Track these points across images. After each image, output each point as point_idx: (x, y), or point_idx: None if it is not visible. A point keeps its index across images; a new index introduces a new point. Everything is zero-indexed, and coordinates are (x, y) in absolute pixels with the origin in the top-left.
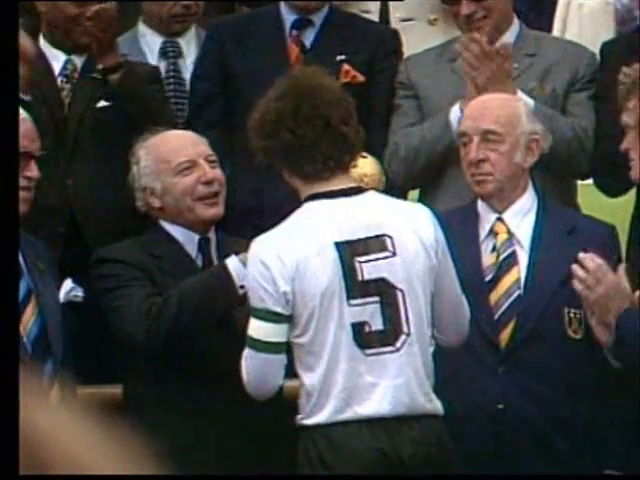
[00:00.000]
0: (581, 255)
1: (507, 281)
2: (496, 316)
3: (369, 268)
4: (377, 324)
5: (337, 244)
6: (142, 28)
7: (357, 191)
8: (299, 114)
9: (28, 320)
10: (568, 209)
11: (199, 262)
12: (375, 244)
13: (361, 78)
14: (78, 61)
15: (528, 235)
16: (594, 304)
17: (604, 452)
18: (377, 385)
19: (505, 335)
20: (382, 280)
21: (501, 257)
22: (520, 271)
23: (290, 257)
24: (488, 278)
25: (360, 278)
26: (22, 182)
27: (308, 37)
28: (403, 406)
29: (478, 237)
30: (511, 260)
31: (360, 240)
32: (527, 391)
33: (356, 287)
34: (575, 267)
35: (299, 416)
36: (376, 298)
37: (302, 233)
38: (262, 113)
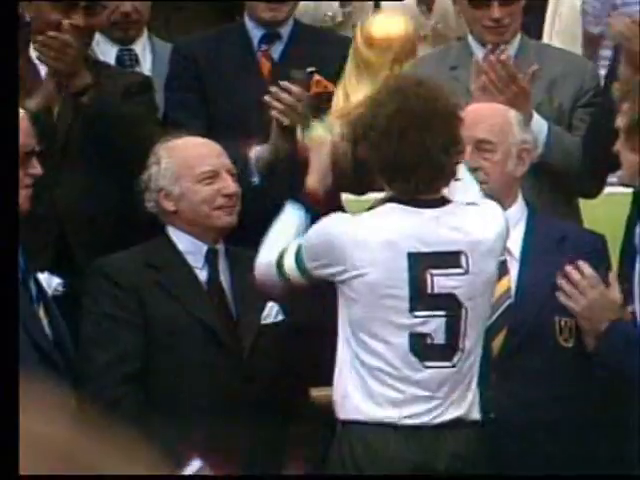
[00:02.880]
0: (567, 267)
1: (498, 290)
2: (488, 325)
3: (440, 282)
4: (439, 338)
5: (410, 255)
6: (96, 36)
7: (441, 202)
8: (404, 139)
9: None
10: (558, 219)
11: (203, 275)
12: (450, 259)
13: (332, 87)
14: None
15: (518, 244)
16: (581, 315)
17: (594, 456)
18: (429, 398)
19: (497, 344)
20: (451, 296)
21: None
22: (511, 280)
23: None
24: None
25: (429, 291)
26: (26, 180)
27: (276, 51)
28: (450, 421)
29: None
30: (502, 269)
31: (436, 253)
32: (519, 399)
33: (423, 300)
34: (560, 279)
35: (339, 411)
36: (442, 312)
37: (378, 234)
38: (370, 125)
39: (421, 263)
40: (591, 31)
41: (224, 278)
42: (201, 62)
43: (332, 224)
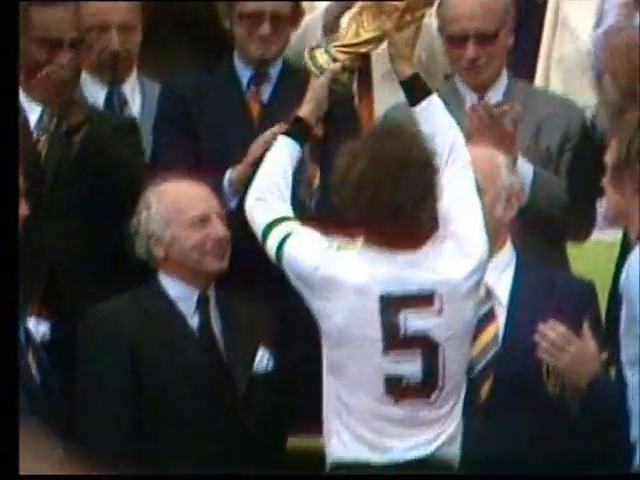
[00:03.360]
0: (541, 326)
1: (485, 337)
2: (475, 371)
3: (414, 323)
4: (416, 378)
5: (382, 297)
6: (84, 77)
7: (417, 245)
8: (377, 194)
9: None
10: (546, 265)
11: (194, 322)
12: (424, 300)
13: (319, 132)
14: (54, 113)
15: (506, 291)
16: (563, 372)
17: None
18: (402, 435)
19: (484, 390)
20: (426, 337)
21: (479, 313)
22: (498, 327)
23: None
24: None
25: (403, 333)
26: None
27: (265, 91)
28: (425, 457)
29: None
30: (489, 316)
31: (409, 295)
32: (506, 445)
33: (397, 341)
34: (538, 338)
35: (327, 452)
36: (417, 353)
37: (350, 277)
38: (344, 177)
39: (393, 305)
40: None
41: (215, 324)
42: (190, 102)
43: (308, 258)
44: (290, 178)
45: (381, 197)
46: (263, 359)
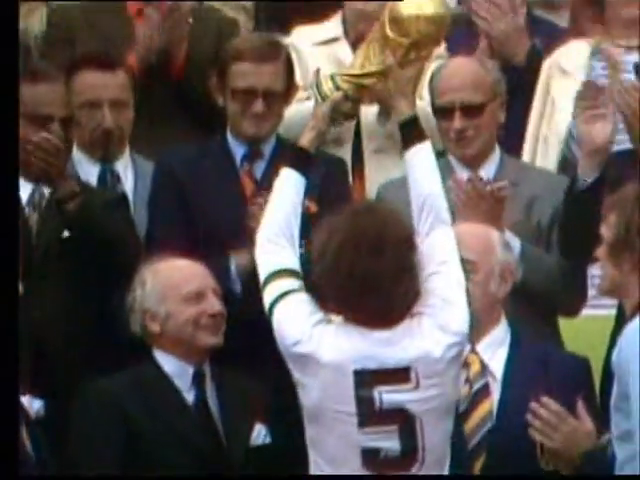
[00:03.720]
0: (533, 404)
1: (480, 413)
2: (469, 447)
3: (390, 398)
4: (394, 451)
5: (356, 372)
6: (77, 155)
7: (394, 322)
8: (352, 270)
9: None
10: (541, 341)
11: (190, 397)
12: (399, 375)
13: (314, 208)
14: (45, 190)
15: (501, 367)
16: (557, 450)
17: None
18: None
19: (478, 466)
20: (402, 410)
21: (474, 388)
22: (492, 403)
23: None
24: (461, 409)
25: (378, 407)
26: None
27: (258, 168)
28: None
29: None
30: (484, 392)
31: (384, 370)
32: None
33: (372, 416)
34: (530, 417)
35: None
36: (394, 427)
37: (325, 353)
38: (322, 253)
39: (368, 380)
40: (577, 157)
41: (211, 400)
42: (183, 179)
43: (290, 330)
44: (299, 210)
45: (356, 272)
46: (260, 434)
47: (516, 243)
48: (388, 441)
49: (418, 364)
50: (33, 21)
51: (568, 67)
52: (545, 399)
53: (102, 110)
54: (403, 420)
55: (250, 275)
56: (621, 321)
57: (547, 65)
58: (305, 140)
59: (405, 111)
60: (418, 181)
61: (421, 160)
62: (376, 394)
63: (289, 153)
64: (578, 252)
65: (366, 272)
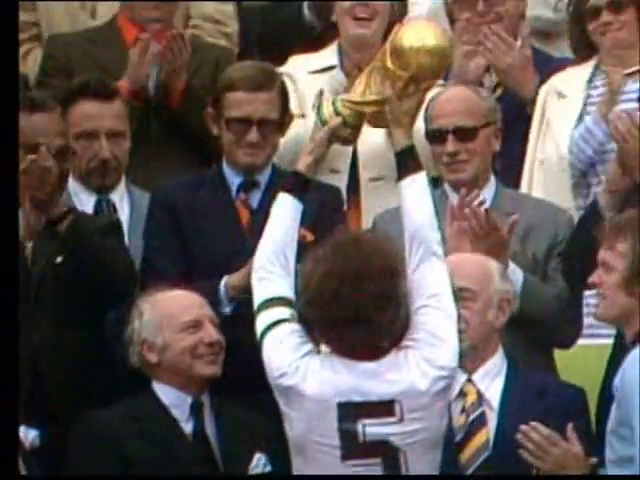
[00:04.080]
0: (523, 427)
1: (476, 442)
2: (466, 476)
3: (373, 430)
4: None
5: (340, 405)
6: (73, 185)
7: (380, 354)
8: (335, 299)
9: None
10: (537, 371)
11: (188, 427)
12: (383, 408)
13: (310, 237)
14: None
15: (497, 396)
16: (548, 472)
17: None
18: None
19: None
20: (385, 442)
21: (470, 418)
22: (489, 432)
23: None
24: (458, 439)
25: (362, 440)
26: None
27: (254, 198)
28: None
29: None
30: (480, 421)
31: (368, 403)
32: None
33: (355, 448)
34: (521, 439)
35: None
36: (377, 459)
37: (309, 385)
38: (307, 282)
39: (352, 413)
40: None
41: (210, 430)
42: (179, 208)
43: (277, 362)
44: (296, 236)
45: (340, 302)
46: (259, 463)
47: (519, 274)
48: (372, 472)
49: (403, 397)
50: (28, 63)
51: (565, 91)
52: (535, 423)
53: (99, 140)
54: (387, 453)
55: (242, 297)
56: (619, 349)
57: (544, 90)
58: (302, 165)
59: (401, 141)
60: (410, 212)
61: (414, 191)
62: (360, 427)
63: (286, 178)
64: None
65: (350, 302)
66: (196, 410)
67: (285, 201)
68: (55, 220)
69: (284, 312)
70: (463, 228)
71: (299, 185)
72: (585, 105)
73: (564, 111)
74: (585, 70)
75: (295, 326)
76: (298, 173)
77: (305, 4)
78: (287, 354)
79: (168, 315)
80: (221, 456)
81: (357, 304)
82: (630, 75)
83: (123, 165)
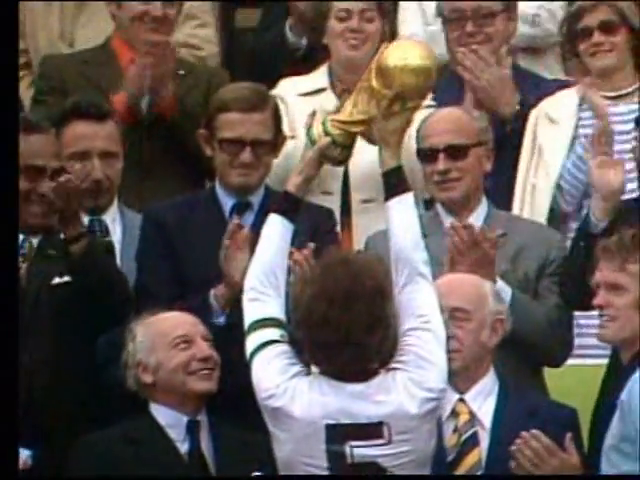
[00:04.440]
0: (524, 434)
1: (469, 462)
2: None
3: (361, 452)
4: None
5: (328, 427)
6: None
7: (369, 376)
8: (325, 321)
9: None
10: (529, 391)
11: (184, 447)
12: (372, 430)
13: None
14: (34, 240)
15: (489, 416)
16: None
17: None
18: None
19: None
20: (373, 463)
21: (462, 438)
22: (481, 452)
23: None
24: (450, 458)
25: (349, 461)
26: None
27: (247, 219)
28: None
29: (440, 417)
30: (473, 441)
31: (357, 425)
32: None
33: (343, 470)
34: (519, 444)
35: None
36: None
37: (297, 407)
38: (296, 303)
39: (340, 435)
40: (565, 208)
41: (207, 449)
42: (171, 228)
43: (265, 383)
44: (286, 256)
45: (330, 323)
46: None
47: (507, 291)
48: None
49: (391, 419)
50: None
51: (556, 116)
52: (536, 431)
53: (91, 161)
54: (374, 473)
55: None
56: (614, 368)
57: (534, 115)
58: (292, 185)
59: (389, 162)
60: (396, 232)
61: (401, 212)
62: (348, 449)
63: (276, 199)
64: (583, 297)
65: (339, 324)
66: (192, 429)
67: (275, 221)
68: (71, 239)
69: (274, 333)
70: (450, 246)
71: (289, 205)
72: (577, 128)
73: (555, 137)
74: (573, 95)
75: (285, 347)
76: (288, 193)
77: (287, 26)
78: (275, 375)
79: (160, 334)
80: (218, 475)
81: (347, 327)
82: (620, 98)
83: (116, 186)
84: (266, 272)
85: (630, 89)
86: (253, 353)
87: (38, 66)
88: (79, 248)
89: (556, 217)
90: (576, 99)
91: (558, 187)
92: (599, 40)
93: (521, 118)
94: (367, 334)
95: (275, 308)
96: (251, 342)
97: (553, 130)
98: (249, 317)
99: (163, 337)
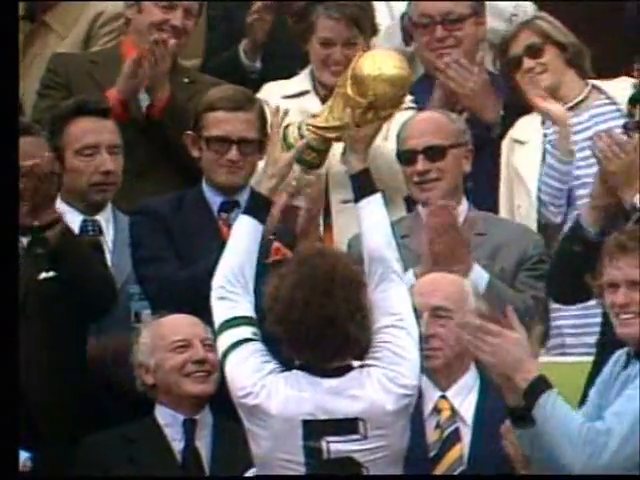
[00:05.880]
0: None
1: (451, 457)
2: None
3: (337, 447)
4: None
5: (305, 423)
6: (61, 206)
7: (344, 371)
8: (307, 309)
9: None
10: None
11: (179, 446)
12: (348, 426)
13: (291, 255)
14: (24, 240)
15: (471, 412)
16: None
17: None
18: None
19: None
20: (349, 459)
21: (445, 433)
22: (463, 447)
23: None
24: (432, 454)
25: (326, 457)
26: None
27: (236, 217)
28: None
29: (422, 414)
30: (454, 437)
31: (333, 420)
32: None
33: (319, 465)
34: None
35: None
36: (341, 475)
37: (274, 403)
38: (274, 297)
39: (316, 431)
40: (552, 220)
41: (205, 449)
42: (169, 219)
43: (241, 381)
44: (255, 257)
45: (312, 307)
46: None
47: (485, 277)
48: None
49: (367, 415)
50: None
51: (523, 137)
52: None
53: (100, 154)
54: (350, 469)
55: None
56: (600, 365)
57: (505, 143)
58: (264, 187)
59: (356, 165)
60: (367, 233)
61: (370, 212)
62: (324, 444)
63: (247, 200)
64: (579, 294)
65: (322, 306)
66: (188, 428)
67: (245, 222)
68: (45, 226)
69: (246, 331)
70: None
71: (259, 207)
72: (544, 143)
73: (527, 156)
74: (536, 115)
75: (258, 345)
76: (259, 195)
77: (241, 49)
78: (250, 374)
79: (159, 336)
80: (212, 474)
81: (329, 311)
82: (571, 109)
83: (119, 181)
84: (235, 272)
85: (576, 100)
86: (226, 352)
87: (47, 62)
88: (54, 233)
89: (549, 231)
90: (538, 118)
91: (540, 201)
92: (530, 66)
93: (506, 121)
94: (348, 320)
95: (245, 306)
96: (224, 341)
97: (524, 151)
98: (219, 317)
99: (162, 340)
